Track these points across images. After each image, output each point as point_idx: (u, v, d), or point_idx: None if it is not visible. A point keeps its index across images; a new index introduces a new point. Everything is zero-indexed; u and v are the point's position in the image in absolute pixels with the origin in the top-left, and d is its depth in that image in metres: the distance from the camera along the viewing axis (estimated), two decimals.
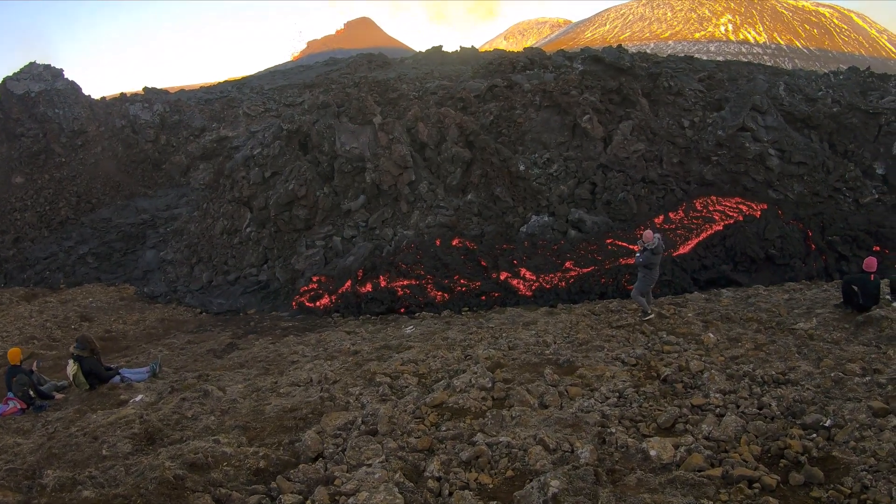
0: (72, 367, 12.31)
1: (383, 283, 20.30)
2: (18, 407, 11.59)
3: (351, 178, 25.49)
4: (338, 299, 20.79)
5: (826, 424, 7.31)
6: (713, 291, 18.66)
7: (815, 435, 7.12)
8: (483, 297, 19.70)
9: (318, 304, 21.15)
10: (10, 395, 11.74)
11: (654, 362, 10.43)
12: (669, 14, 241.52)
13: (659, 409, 8.28)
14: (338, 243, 23.97)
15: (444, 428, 8.22)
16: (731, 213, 22.20)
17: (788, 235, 21.37)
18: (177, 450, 7.89)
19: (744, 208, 22.40)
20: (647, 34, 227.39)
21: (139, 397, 11.04)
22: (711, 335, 11.93)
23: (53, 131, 38.78)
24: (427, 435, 7.97)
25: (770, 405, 8.00)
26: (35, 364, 13.24)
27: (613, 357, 11.00)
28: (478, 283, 19.95)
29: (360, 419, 8.57)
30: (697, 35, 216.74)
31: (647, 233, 14.14)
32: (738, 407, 8.17)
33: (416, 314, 19.09)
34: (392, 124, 25.65)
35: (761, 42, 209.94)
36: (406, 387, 10.11)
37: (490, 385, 9.61)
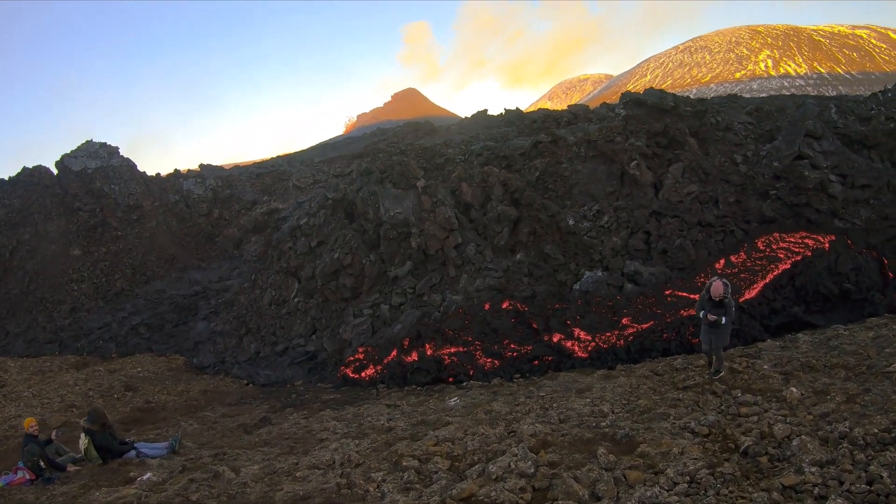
0: (83, 441, 11.92)
1: (429, 352, 19.07)
2: (27, 477, 11.29)
3: (397, 244, 24.76)
4: (383, 369, 19.69)
5: None
6: (787, 337, 16.72)
7: None
8: (536, 362, 18.15)
9: (363, 374, 20.10)
10: (20, 464, 11.50)
11: (730, 430, 8.82)
12: (708, 57, 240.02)
13: (742, 497, 6.71)
14: (385, 311, 23.08)
15: None
16: (796, 249, 20.37)
17: (863, 266, 19.30)
18: None
19: (810, 242, 20.55)
20: (689, 80, 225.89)
21: (147, 475, 10.36)
22: (794, 390, 10.18)
23: (110, 206, 39.70)
24: None
25: (881, 476, 6.44)
26: (54, 434, 12.93)
27: (681, 426, 9.37)
28: (529, 347, 18.46)
29: None
30: (738, 75, 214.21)
31: (717, 284, 11.86)
32: (841, 484, 6.59)
33: (464, 383, 17.71)
34: (435, 187, 24.93)
35: (802, 73, 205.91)
36: (435, 472, 8.69)
37: (532, 471, 8.07)
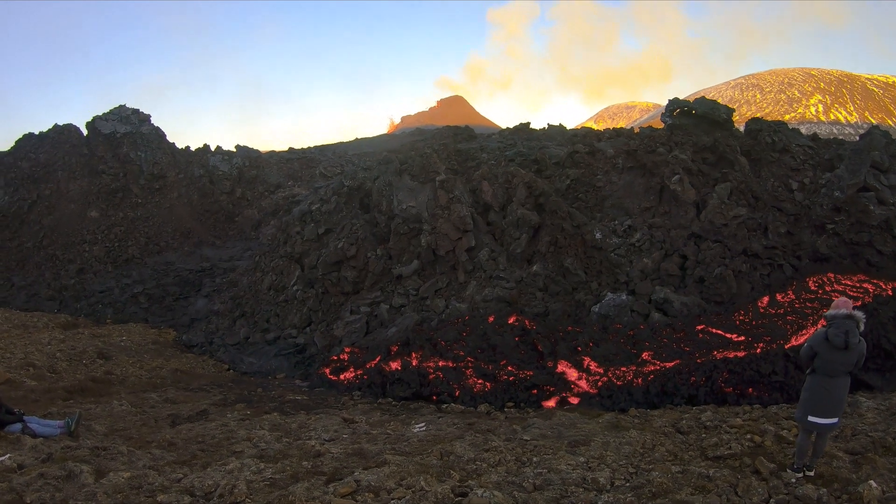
0: None
1: (414, 363, 15.79)
2: None
3: (406, 240, 21.86)
4: (363, 375, 16.57)
5: None
6: None
7: None
8: (534, 391, 14.68)
9: (341, 377, 17.01)
10: None
11: None
12: (759, 96, 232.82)
13: None
14: (384, 312, 20.16)
15: None
16: (853, 294, 16.88)
17: None
18: None
19: (870, 288, 17.08)
20: (737, 117, 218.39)
21: (5, 457, 8.23)
22: (874, 484, 6.81)
23: (133, 172, 38.28)
24: None
25: None
26: None
27: None
28: (529, 373, 15.02)
29: None
30: (787, 117, 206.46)
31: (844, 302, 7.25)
32: None
33: (445, 405, 14.30)
34: (453, 182, 21.89)
35: (853, 122, 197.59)
36: None
37: None
